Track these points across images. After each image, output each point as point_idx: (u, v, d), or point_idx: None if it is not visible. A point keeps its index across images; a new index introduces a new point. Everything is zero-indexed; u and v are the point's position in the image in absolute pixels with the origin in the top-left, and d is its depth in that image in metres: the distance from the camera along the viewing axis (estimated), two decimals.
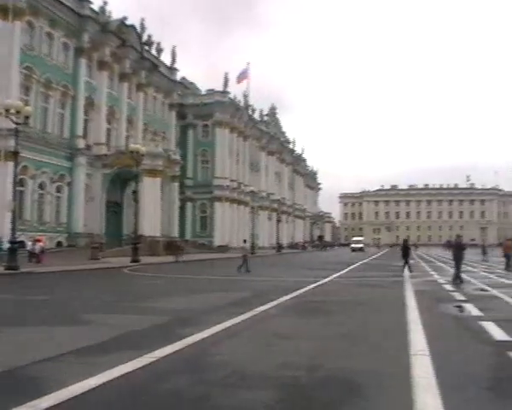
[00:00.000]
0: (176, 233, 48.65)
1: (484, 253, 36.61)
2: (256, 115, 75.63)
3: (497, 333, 7.52)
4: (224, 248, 55.37)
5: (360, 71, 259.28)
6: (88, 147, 41.31)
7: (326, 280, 18.30)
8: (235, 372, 5.33)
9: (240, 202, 64.81)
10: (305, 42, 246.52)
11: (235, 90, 66.61)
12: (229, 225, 60.76)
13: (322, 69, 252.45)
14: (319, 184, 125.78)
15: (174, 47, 55.90)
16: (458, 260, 17.35)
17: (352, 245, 79.41)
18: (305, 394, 4.64)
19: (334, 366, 5.66)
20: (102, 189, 41.68)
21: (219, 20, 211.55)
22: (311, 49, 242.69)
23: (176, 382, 4.95)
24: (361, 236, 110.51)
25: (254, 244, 53.70)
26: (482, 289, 15.00)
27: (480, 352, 6.49)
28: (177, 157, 50.04)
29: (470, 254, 37.77)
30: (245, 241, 28.64)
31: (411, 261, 25.24)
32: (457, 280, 16.88)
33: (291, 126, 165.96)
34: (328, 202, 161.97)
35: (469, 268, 24.70)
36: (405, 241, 25.29)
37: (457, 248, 17.92)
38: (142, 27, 49.09)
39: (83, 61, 41.18)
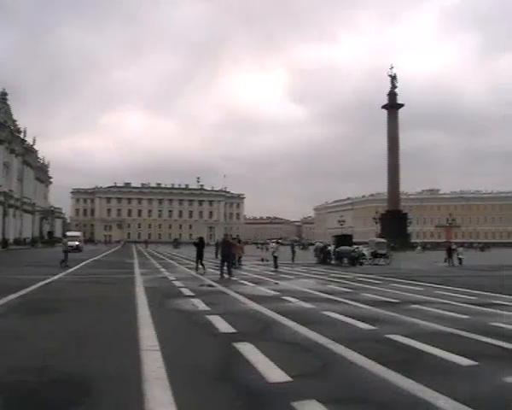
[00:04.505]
0: None
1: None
2: None
3: (223, 326, 8.09)
4: None
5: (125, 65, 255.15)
6: None
7: (55, 277, 17.74)
8: None
9: None
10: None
11: None
12: None
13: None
14: (50, 177, 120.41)
15: None
16: (227, 255, 20.00)
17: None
18: (34, 397, 4.55)
19: (64, 367, 5.51)
20: None
21: None
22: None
23: None
24: (78, 231, 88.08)
25: None
26: (209, 285, 16.02)
27: (207, 344, 6.89)
28: None
29: (207, 253, 39.40)
30: (65, 235, 27.21)
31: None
32: (227, 273, 19.20)
33: (24, 116, 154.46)
34: (60, 197, 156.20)
35: (200, 266, 24.61)
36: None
37: (225, 246, 20.66)
38: None
39: None
